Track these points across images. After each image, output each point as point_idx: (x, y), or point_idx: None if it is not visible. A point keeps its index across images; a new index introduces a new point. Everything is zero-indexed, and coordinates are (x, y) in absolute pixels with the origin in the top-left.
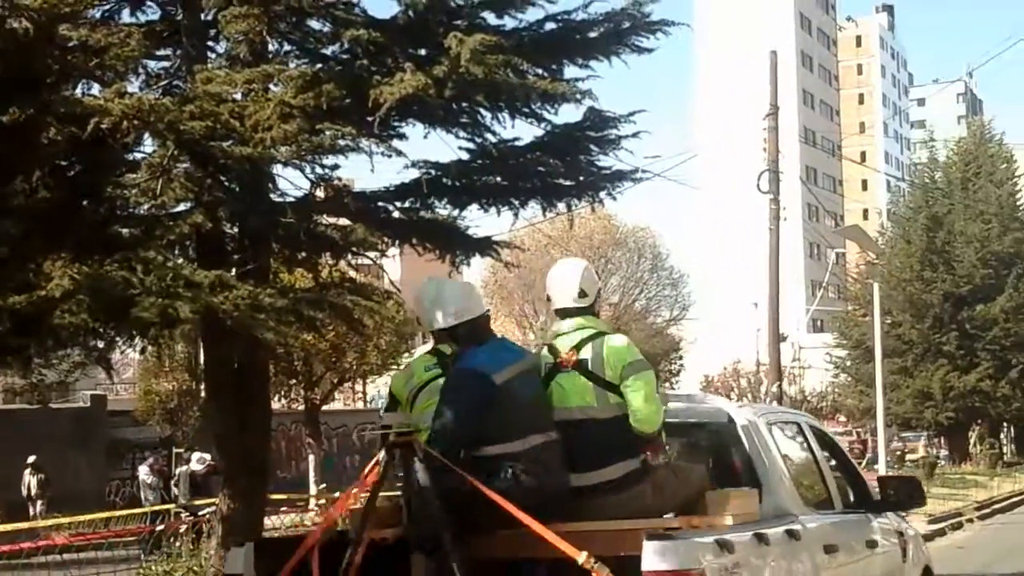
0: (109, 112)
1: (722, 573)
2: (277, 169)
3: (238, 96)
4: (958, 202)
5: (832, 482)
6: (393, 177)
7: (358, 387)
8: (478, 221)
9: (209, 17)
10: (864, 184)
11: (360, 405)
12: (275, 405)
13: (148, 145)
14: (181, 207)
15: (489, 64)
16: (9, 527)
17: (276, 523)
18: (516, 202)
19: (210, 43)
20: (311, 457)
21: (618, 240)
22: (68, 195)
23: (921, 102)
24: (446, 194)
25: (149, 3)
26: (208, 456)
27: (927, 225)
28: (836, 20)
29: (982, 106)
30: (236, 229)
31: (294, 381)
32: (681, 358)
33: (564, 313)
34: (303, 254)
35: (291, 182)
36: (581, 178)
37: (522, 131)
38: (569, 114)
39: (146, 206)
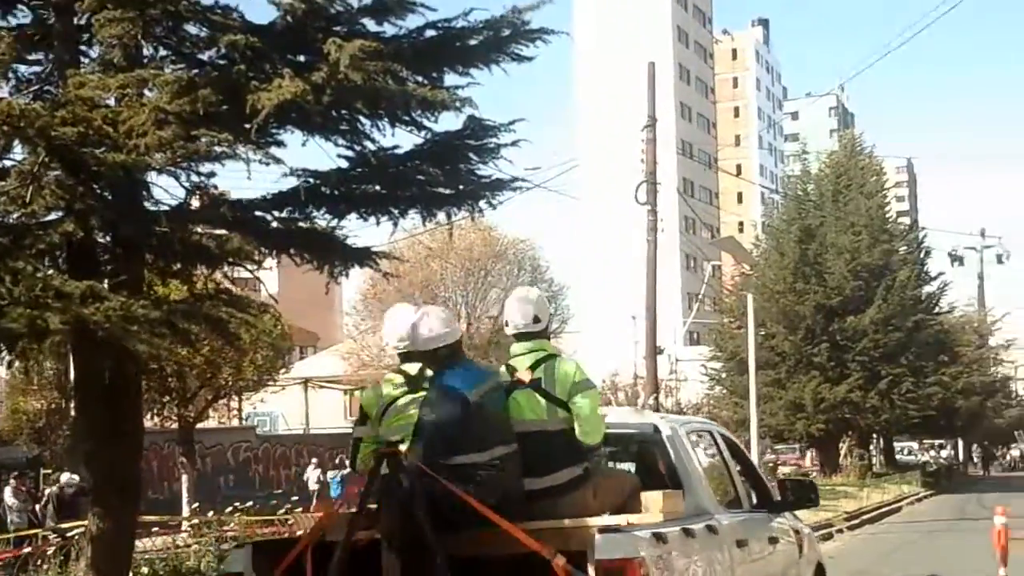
0: None
1: (658, 561)
2: (152, 177)
3: (112, 102)
4: (830, 214)
5: (740, 484)
6: (271, 186)
7: (233, 404)
8: (357, 231)
9: (82, 21)
10: (740, 196)
11: (236, 423)
12: (148, 423)
13: (18, 152)
14: (52, 215)
15: (368, 71)
16: None
17: (148, 545)
18: (396, 211)
19: (83, 47)
20: (184, 477)
21: (498, 253)
22: None
23: (795, 115)
24: (325, 203)
25: (20, 6)
26: (77, 477)
27: (800, 237)
28: (712, 33)
29: (854, 120)
30: (109, 238)
31: (167, 398)
32: None
33: (520, 336)
34: (178, 264)
35: (166, 190)
36: (461, 187)
37: (402, 139)
38: (449, 122)
39: (15, 214)
